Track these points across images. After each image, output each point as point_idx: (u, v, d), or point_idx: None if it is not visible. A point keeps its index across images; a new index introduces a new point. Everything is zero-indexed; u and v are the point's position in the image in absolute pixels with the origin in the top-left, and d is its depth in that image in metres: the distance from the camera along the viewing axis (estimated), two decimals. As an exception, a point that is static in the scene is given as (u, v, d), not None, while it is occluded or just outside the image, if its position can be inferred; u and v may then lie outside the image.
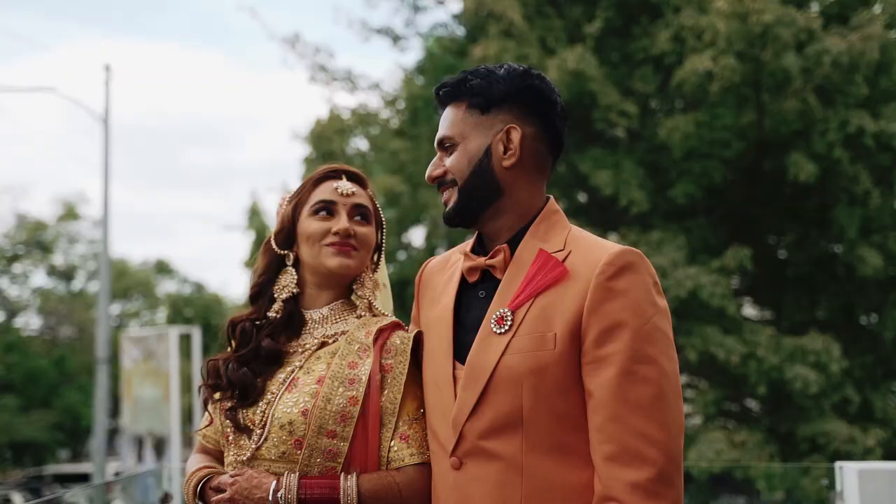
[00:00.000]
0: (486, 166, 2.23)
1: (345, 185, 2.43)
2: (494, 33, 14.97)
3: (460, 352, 2.21)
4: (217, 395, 2.38)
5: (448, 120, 2.29)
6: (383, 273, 2.63)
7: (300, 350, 2.37)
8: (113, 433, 24.94)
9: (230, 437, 2.31)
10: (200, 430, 2.50)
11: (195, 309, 31.10)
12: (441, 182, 2.30)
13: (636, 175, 14.32)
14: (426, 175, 2.33)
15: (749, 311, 17.01)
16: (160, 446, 14.65)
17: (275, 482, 2.17)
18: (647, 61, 15.18)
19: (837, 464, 4.58)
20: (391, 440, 2.24)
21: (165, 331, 14.88)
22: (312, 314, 2.43)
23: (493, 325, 2.14)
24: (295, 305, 2.43)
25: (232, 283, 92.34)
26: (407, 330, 2.39)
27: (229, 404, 2.33)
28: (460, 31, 17.60)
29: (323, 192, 2.43)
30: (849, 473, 4.39)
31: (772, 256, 16.02)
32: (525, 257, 2.20)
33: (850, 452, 12.95)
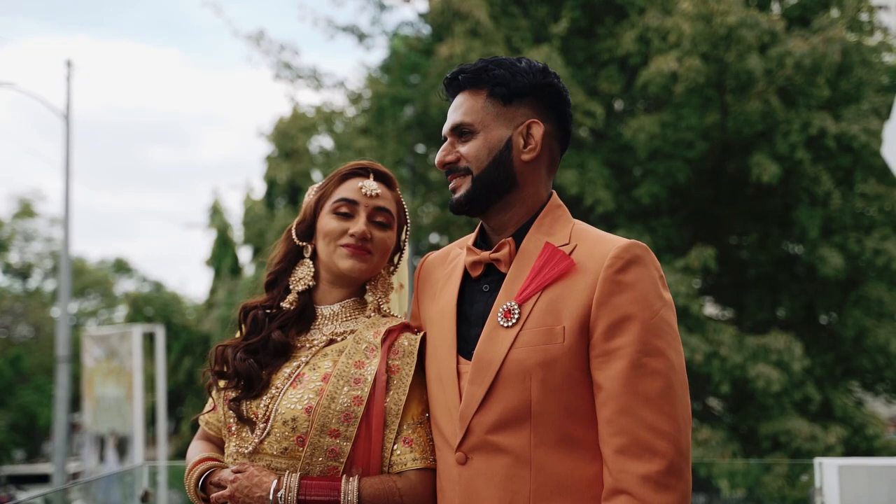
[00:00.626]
0: (506, 158, 2.23)
1: (370, 185, 2.38)
2: (460, 32, 14.98)
3: (463, 347, 2.20)
4: (222, 383, 2.35)
5: (466, 106, 2.26)
6: (403, 273, 2.61)
7: (307, 345, 2.35)
8: (73, 428, 24.64)
9: (232, 428, 2.28)
10: (203, 415, 2.47)
11: (154, 307, 30.82)
12: (452, 169, 2.27)
13: (601, 175, 14.39)
14: (437, 160, 2.28)
15: (711, 310, 17.16)
16: (122, 446, 14.48)
17: (275, 482, 2.15)
18: (613, 62, 15.27)
19: (817, 460, 4.62)
20: (394, 443, 2.22)
21: (129, 329, 14.71)
22: (323, 310, 2.40)
23: (500, 319, 2.13)
24: (309, 298, 2.41)
25: (191, 282, 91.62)
26: (415, 332, 2.36)
27: (233, 395, 2.30)
28: (426, 30, 17.59)
29: (347, 189, 2.39)
30: (829, 469, 4.44)
31: (734, 256, 16.17)
32: (531, 251, 2.19)
33: (812, 450, 13.11)
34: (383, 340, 2.30)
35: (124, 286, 39.40)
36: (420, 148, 17.25)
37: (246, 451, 2.23)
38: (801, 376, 13.61)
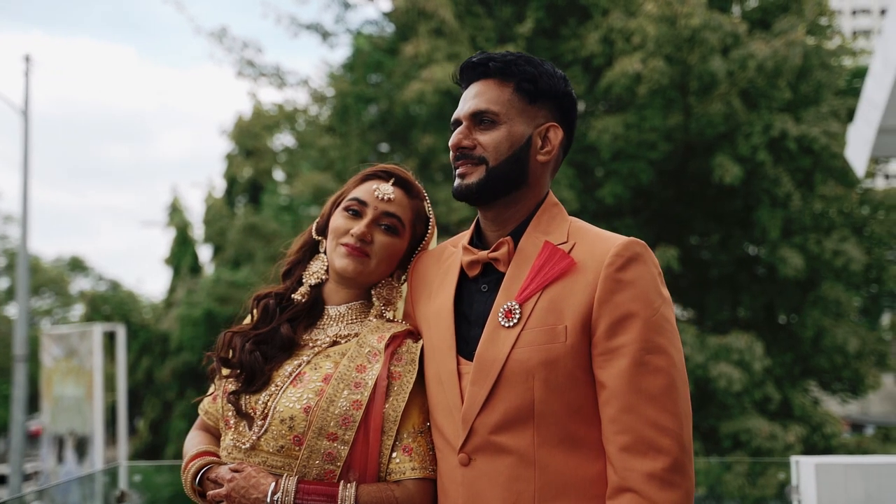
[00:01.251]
0: (524, 156, 2.21)
1: (385, 189, 2.36)
2: (425, 31, 14.97)
3: (463, 347, 2.19)
4: (225, 372, 2.33)
5: (491, 95, 2.23)
6: None
7: (311, 344, 2.33)
8: (31, 435, 24.28)
9: (230, 422, 2.26)
10: (205, 400, 2.45)
11: (111, 306, 30.46)
12: (466, 155, 2.23)
13: (565, 175, 14.45)
14: (452, 142, 2.24)
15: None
16: (82, 446, 14.29)
17: (273, 484, 2.13)
18: (577, 63, 15.33)
19: (793, 458, 4.67)
20: (393, 451, 2.20)
21: (89, 328, 14.51)
22: (330, 310, 2.39)
23: (500, 319, 2.12)
24: (319, 294, 2.40)
25: (149, 281, 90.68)
26: (418, 339, 2.34)
27: (233, 387, 2.28)
28: (390, 29, 17.55)
29: (362, 190, 2.38)
30: (805, 468, 4.48)
31: (696, 257, 16.31)
32: (529, 250, 2.18)
33: (772, 449, 13.26)
34: (387, 346, 2.29)
35: (80, 285, 38.94)
36: (384, 147, 17.21)
37: (243, 447, 2.21)
38: (761, 376, 13.76)
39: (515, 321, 2.10)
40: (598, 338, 2.06)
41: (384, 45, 17.03)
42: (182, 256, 29.17)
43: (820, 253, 14.53)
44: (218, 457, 2.31)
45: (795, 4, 15.82)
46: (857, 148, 8.96)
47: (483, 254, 2.23)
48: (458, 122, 2.28)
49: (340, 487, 2.14)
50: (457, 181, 2.24)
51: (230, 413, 2.26)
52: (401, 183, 2.41)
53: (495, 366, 2.09)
